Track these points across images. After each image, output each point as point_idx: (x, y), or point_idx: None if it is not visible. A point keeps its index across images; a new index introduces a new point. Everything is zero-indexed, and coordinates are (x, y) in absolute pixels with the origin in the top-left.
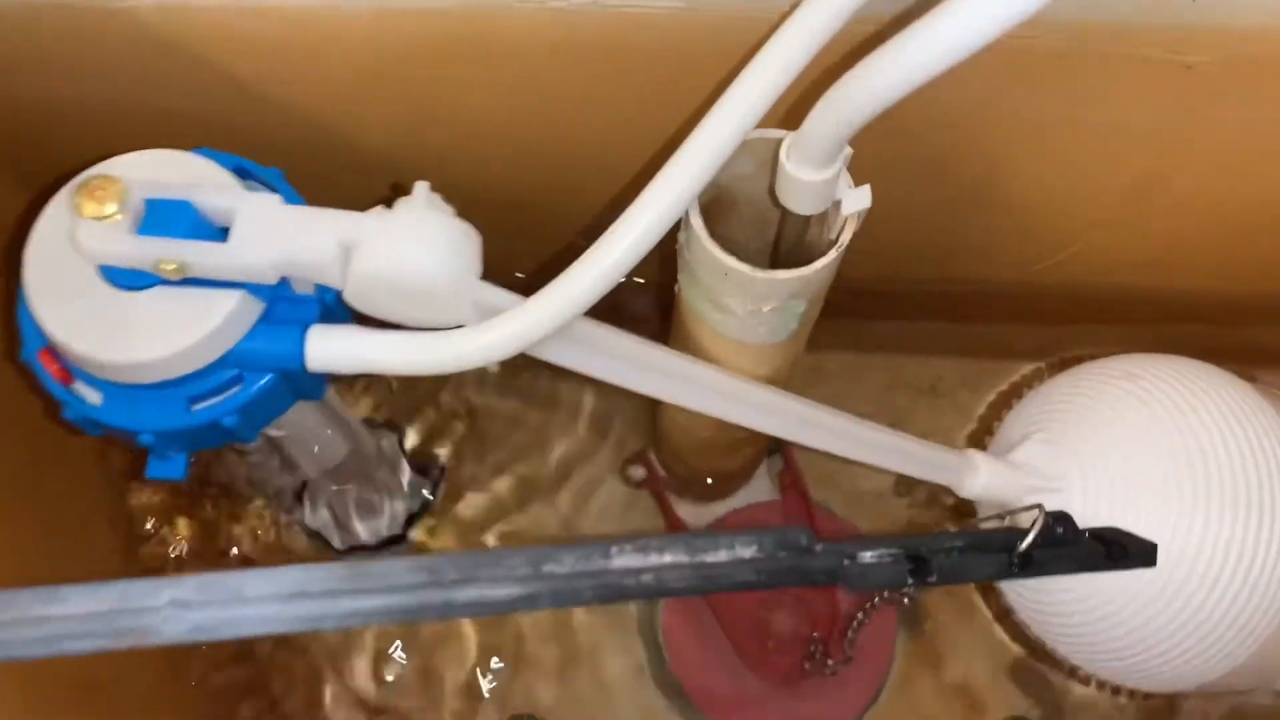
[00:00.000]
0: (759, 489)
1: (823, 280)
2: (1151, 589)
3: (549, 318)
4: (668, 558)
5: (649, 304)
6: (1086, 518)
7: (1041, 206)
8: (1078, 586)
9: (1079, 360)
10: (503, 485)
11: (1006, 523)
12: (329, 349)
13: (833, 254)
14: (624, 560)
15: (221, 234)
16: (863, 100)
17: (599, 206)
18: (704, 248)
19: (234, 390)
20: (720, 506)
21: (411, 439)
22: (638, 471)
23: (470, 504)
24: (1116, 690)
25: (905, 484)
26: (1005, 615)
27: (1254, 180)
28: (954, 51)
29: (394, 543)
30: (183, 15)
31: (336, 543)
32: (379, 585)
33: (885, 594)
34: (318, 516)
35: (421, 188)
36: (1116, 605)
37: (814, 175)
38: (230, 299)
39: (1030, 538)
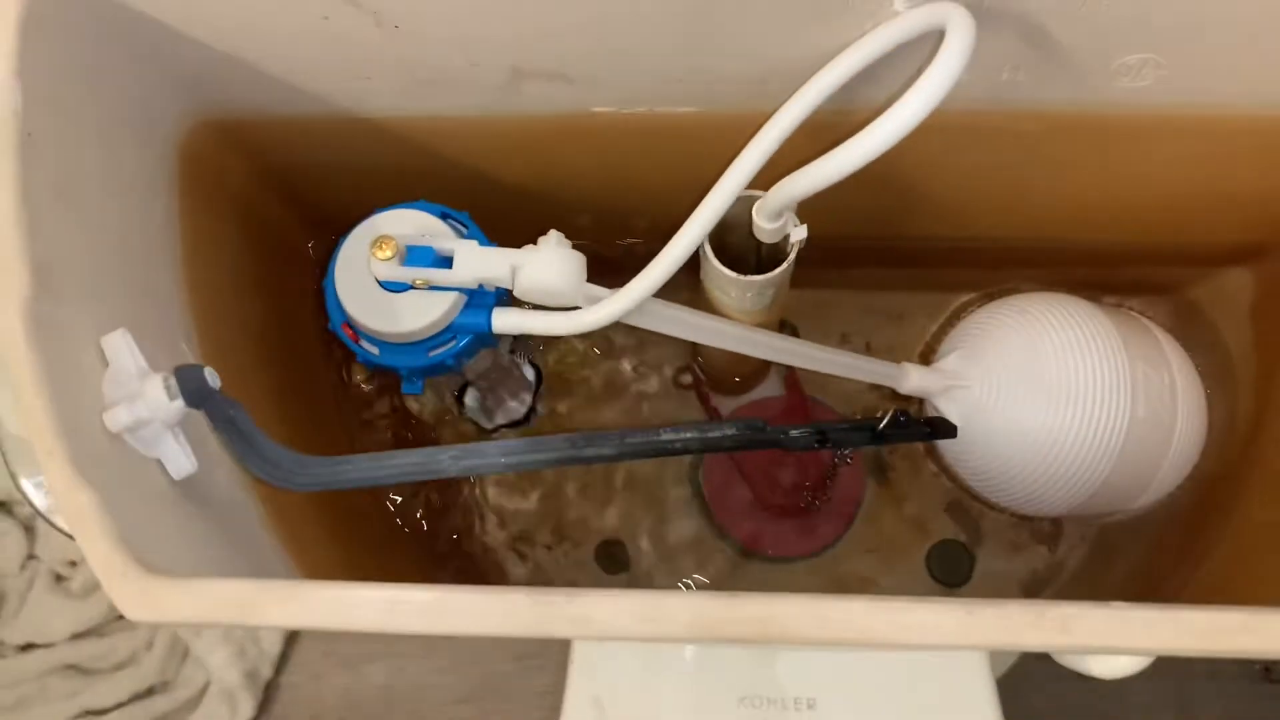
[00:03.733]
0: (771, 386)
1: (781, 278)
2: (1025, 448)
3: (628, 302)
4: (689, 434)
5: None
6: (984, 403)
7: (952, 206)
8: (984, 449)
9: (1005, 292)
10: (591, 389)
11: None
12: (506, 321)
13: (784, 266)
14: (667, 436)
15: (447, 262)
16: (798, 190)
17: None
18: (711, 264)
19: (451, 344)
20: (744, 399)
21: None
22: (685, 378)
23: (565, 403)
24: (1017, 517)
25: (873, 385)
26: (944, 468)
27: (1077, 188)
28: (845, 168)
29: (519, 423)
30: (402, 121)
31: (484, 423)
32: (547, 447)
33: (841, 456)
34: (471, 407)
35: (553, 234)
36: (1005, 459)
37: (770, 225)
38: (450, 297)
39: (884, 423)
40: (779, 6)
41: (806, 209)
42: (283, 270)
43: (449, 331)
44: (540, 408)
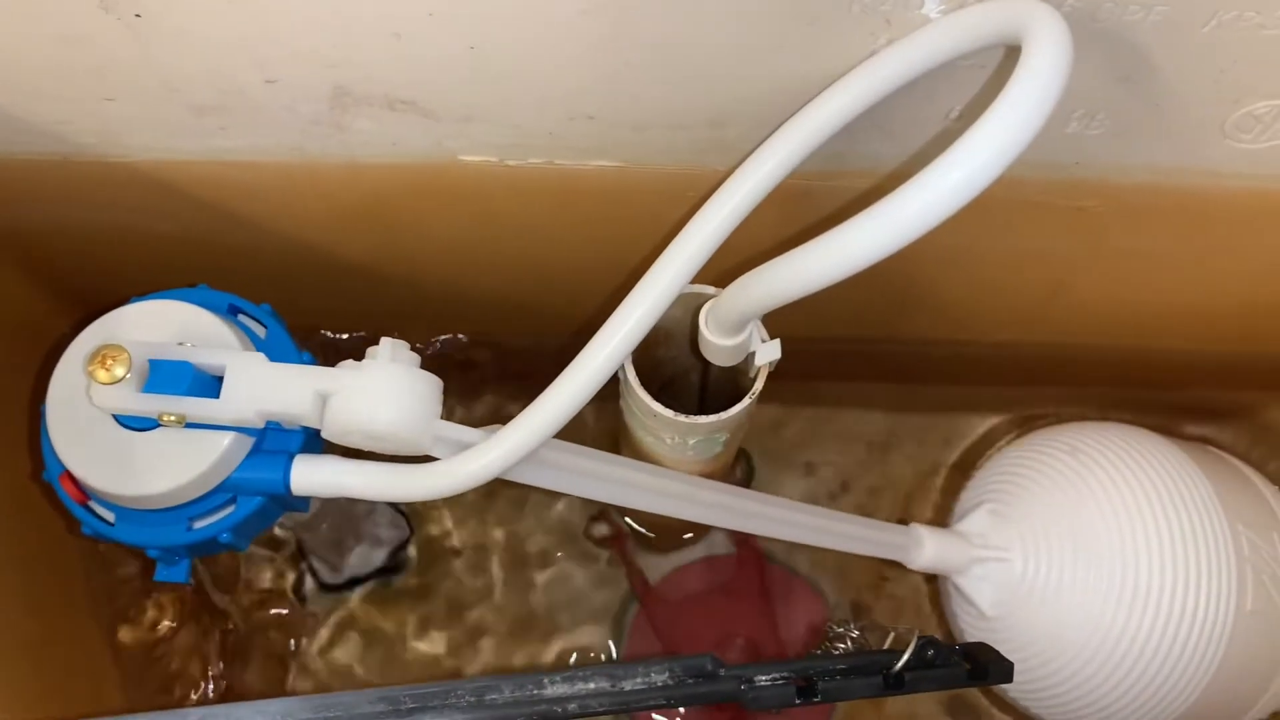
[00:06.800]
0: (719, 539)
1: (740, 419)
2: (1084, 650)
3: (509, 454)
4: (592, 685)
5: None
6: (1027, 582)
7: (964, 307)
8: (1026, 646)
9: (1038, 419)
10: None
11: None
12: (311, 477)
13: (746, 401)
14: (555, 689)
15: (216, 382)
16: (776, 291)
17: (575, 310)
18: (636, 395)
19: (228, 511)
20: (679, 557)
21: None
22: (601, 529)
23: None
24: None
25: None
26: None
27: (1141, 289)
28: (856, 260)
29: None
30: (174, 167)
31: (329, 578)
32: (347, 715)
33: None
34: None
35: (387, 343)
36: (1056, 662)
37: (726, 340)
38: (224, 439)
39: (904, 660)
40: (744, 6)
41: None
42: (25, 374)
43: (223, 492)
44: (407, 554)
